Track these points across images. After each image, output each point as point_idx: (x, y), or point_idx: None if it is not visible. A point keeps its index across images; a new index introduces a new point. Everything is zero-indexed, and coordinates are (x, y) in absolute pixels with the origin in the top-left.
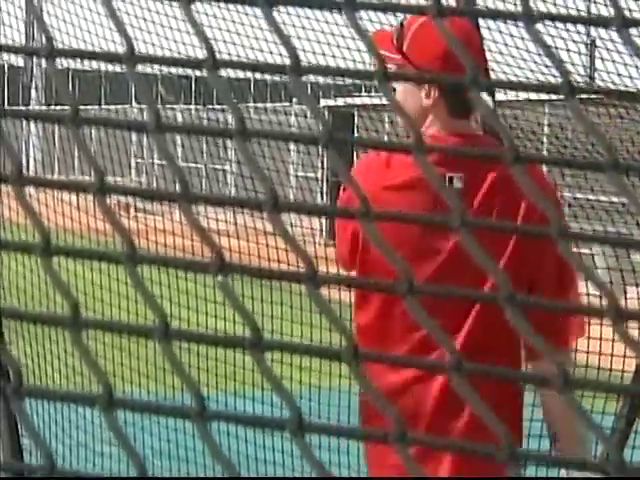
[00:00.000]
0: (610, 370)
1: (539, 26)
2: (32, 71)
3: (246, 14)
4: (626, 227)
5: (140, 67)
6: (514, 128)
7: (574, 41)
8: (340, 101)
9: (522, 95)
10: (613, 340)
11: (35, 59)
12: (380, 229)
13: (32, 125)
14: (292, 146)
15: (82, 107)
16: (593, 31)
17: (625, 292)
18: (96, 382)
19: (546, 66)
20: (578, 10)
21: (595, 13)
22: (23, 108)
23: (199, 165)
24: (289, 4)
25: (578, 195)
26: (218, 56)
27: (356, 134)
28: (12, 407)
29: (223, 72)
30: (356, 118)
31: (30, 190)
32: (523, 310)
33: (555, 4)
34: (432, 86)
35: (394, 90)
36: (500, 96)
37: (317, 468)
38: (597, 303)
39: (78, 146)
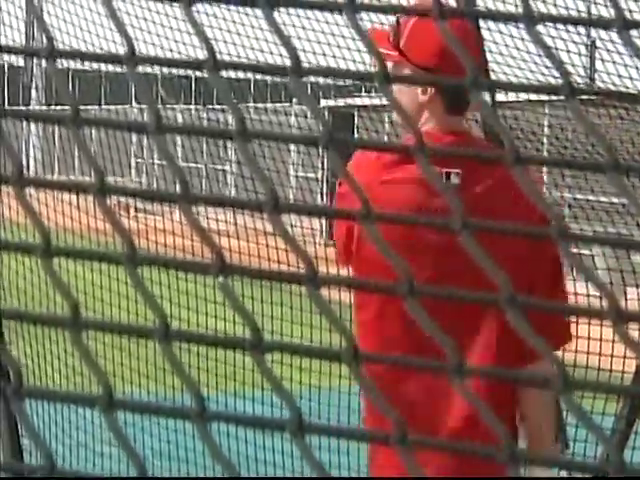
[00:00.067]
0: (610, 371)
1: (539, 27)
2: (32, 71)
3: (246, 14)
4: (626, 228)
5: (140, 67)
6: (514, 129)
7: (574, 42)
8: (340, 101)
9: (522, 96)
10: (613, 341)
11: (35, 59)
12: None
13: (32, 125)
14: (292, 146)
15: (82, 107)
16: (593, 32)
17: (625, 293)
18: (96, 382)
19: (546, 67)
20: (578, 11)
21: (595, 14)
22: (23, 108)
23: (199, 165)
24: (290, 5)
25: (578, 196)
26: (218, 56)
27: (356, 134)
28: (12, 408)
29: (223, 72)
30: (356, 118)
31: (30, 190)
32: (524, 312)
33: (555, 5)
34: None
35: None
36: (500, 97)
37: (317, 469)
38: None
39: (78, 146)
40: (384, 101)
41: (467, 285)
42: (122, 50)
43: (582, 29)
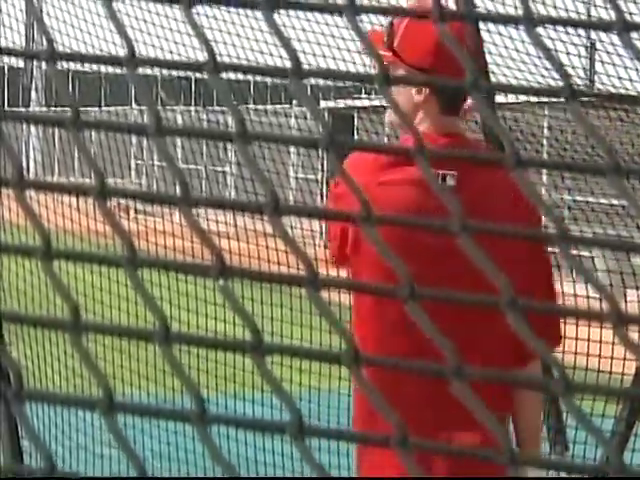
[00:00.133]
0: (610, 373)
1: (539, 29)
2: (32, 72)
3: (246, 16)
4: (626, 230)
5: (140, 69)
6: (514, 130)
7: (574, 44)
8: (340, 103)
9: (522, 97)
10: (613, 343)
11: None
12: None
13: (32, 126)
14: (292, 148)
15: (82, 108)
16: (593, 34)
17: (625, 295)
18: (96, 385)
19: (546, 69)
20: (578, 12)
21: (595, 16)
22: (23, 109)
23: (199, 167)
24: (291, 8)
25: (578, 198)
26: (218, 58)
27: (356, 136)
28: (12, 410)
29: (223, 74)
30: (356, 120)
31: (30, 191)
32: (524, 314)
33: (555, 7)
34: None
35: None
36: (500, 98)
37: (317, 471)
38: (597, 306)
39: (78, 148)
40: (384, 102)
41: (465, 286)
42: (122, 52)
43: (582, 31)
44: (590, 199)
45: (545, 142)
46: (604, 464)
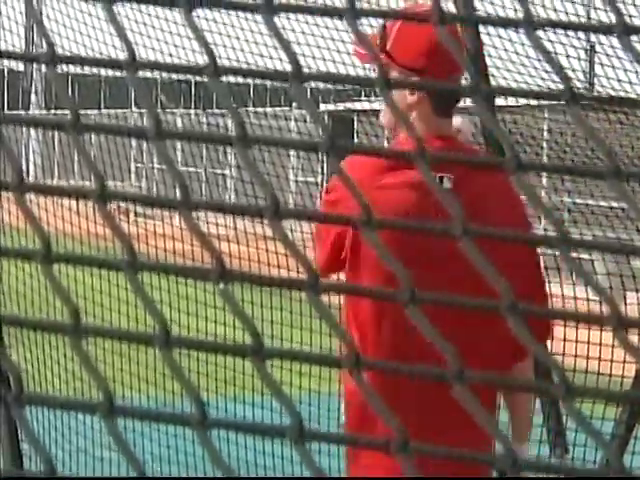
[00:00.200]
0: (610, 376)
1: (539, 32)
2: (32, 75)
3: (246, 19)
4: (626, 232)
5: (140, 72)
6: (514, 133)
7: (574, 46)
8: (340, 106)
9: (521, 100)
10: (613, 346)
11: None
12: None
13: (32, 129)
14: (292, 151)
15: (82, 112)
16: (593, 37)
17: (625, 297)
18: (96, 388)
19: (546, 71)
20: (578, 15)
21: (595, 18)
22: (23, 112)
23: (199, 170)
24: (291, 11)
25: (578, 200)
26: (218, 61)
27: (356, 139)
28: (12, 413)
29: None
30: (356, 123)
31: (30, 195)
32: (525, 318)
33: (555, 10)
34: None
35: None
36: (500, 101)
37: (318, 474)
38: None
39: (78, 151)
40: (383, 106)
41: (465, 289)
42: (122, 55)
43: (581, 34)
44: (590, 202)
45: (545, 145)
46: (604, 467)
